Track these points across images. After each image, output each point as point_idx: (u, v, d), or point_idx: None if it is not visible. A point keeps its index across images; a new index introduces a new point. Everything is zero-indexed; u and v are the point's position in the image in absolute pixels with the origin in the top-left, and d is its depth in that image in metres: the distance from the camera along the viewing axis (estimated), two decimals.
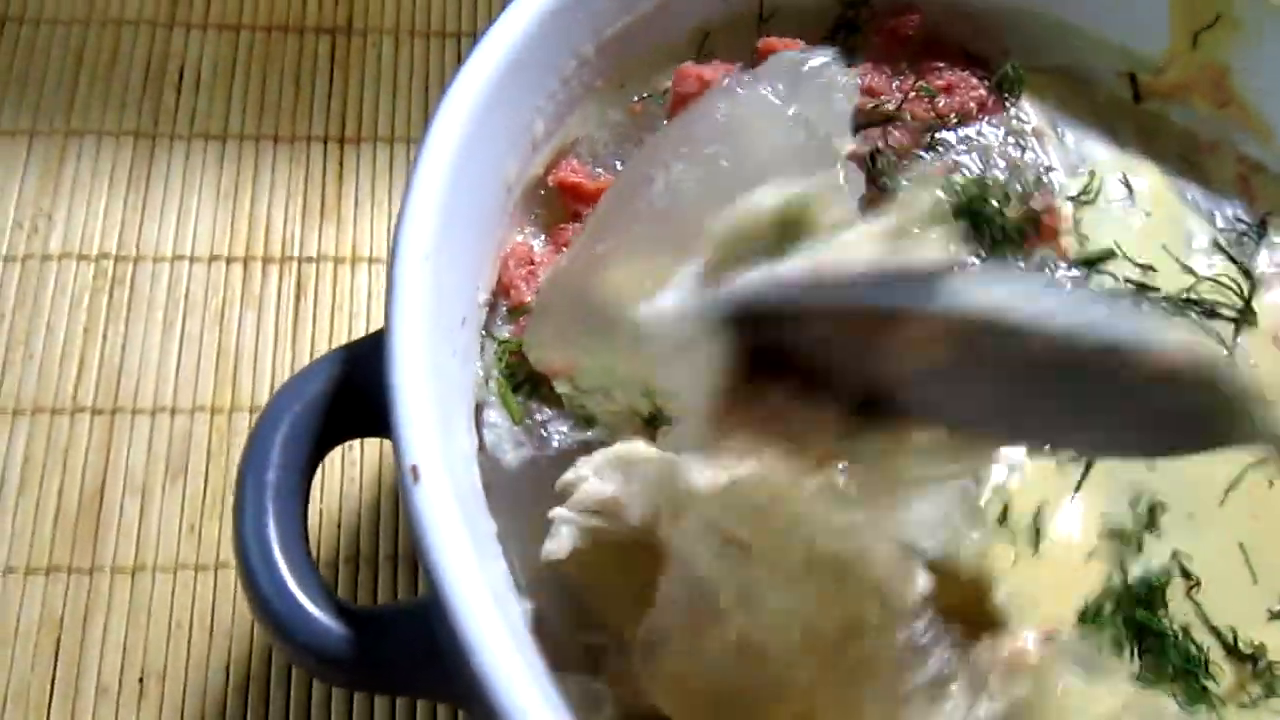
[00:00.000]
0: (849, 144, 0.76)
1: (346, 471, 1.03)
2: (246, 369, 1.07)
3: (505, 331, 0.80)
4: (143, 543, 0.99)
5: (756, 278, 0.59)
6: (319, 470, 0.71)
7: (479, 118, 0.73)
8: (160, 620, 0.96)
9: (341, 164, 1.18)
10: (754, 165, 0.73)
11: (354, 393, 0.71)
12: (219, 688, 0.95)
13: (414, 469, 0.61)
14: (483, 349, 0.79)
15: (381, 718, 0.93)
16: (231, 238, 1.13)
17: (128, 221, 1.12)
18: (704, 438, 0.60)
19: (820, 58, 0.77)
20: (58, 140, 1.15)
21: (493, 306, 0.81)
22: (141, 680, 0.94)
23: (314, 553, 1.00)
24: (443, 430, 0.64)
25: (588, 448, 0.75)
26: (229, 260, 1.12)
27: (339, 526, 1.01)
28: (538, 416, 0.77)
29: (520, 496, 0.74)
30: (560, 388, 0.77)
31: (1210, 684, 0.76)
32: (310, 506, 0.68)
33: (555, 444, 0.76)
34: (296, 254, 1.13)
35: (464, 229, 0.72)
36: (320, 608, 0.64)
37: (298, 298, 1.11)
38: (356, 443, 1.05)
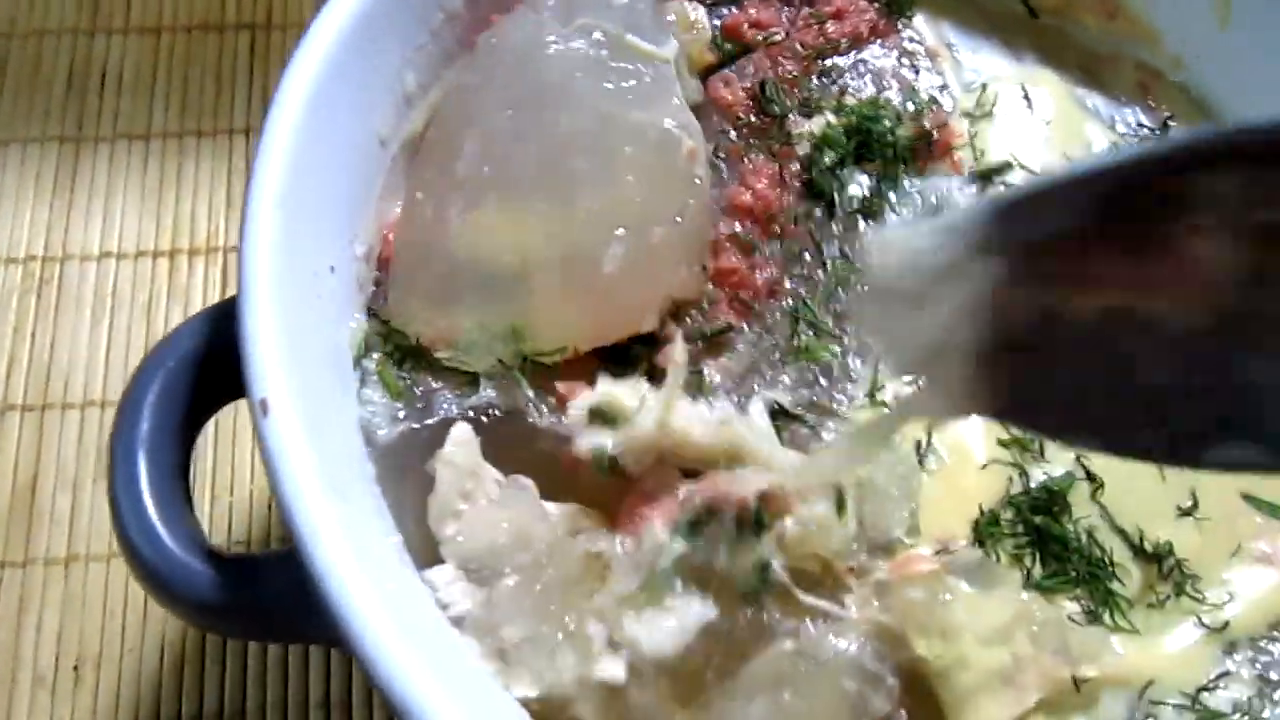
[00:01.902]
0: (670, 48, 0.76)
1: None
2: None
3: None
4: (75, 534, 1.00)
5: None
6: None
7: (335, 66, 0.73)
8: (94, 608, 0.97)
9: None
10: (557, 88, 0.73)
11: (230, 349, 0.71)
12: (154, 670, 0.95)
13: (263, 402, 0.61)
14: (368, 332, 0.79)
15: (316, 688, 0.94)
16: (157, 233, 1.14)
17: (54, 224, 1.13)
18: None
19: None
20: None
21: (378, 284, 0.80)
22: (77, 668, 0.94)
23: (247, 530, 1.02)
24: (299, 368, 0.64)
25: (478, 412, 0.75)
26: (155, 255, 1.13)
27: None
28: (418, 390, 0.76)
29: (400, 468, 0.73)
30: (442, 353, 0.76)
31: (1117, 586, 0.74)
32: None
33: (441, 413, 0.75)
34: (221, 244, 1.14)
35: (325, 176, 0.72)
36: (190, 554, 0.64)
37: (224, 287, 1.12)
38: None
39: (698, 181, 0.77)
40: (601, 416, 0.71)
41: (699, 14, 0.87)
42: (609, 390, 0.72)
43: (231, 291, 1.09)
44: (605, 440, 0.70)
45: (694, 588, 0.70)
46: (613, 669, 0.68)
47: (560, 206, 0.73)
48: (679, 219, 0.75)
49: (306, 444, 0.60)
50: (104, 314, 1.10)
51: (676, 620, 0.70)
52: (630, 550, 0.71)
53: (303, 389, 0.63)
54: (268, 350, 0.62)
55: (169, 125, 1.20)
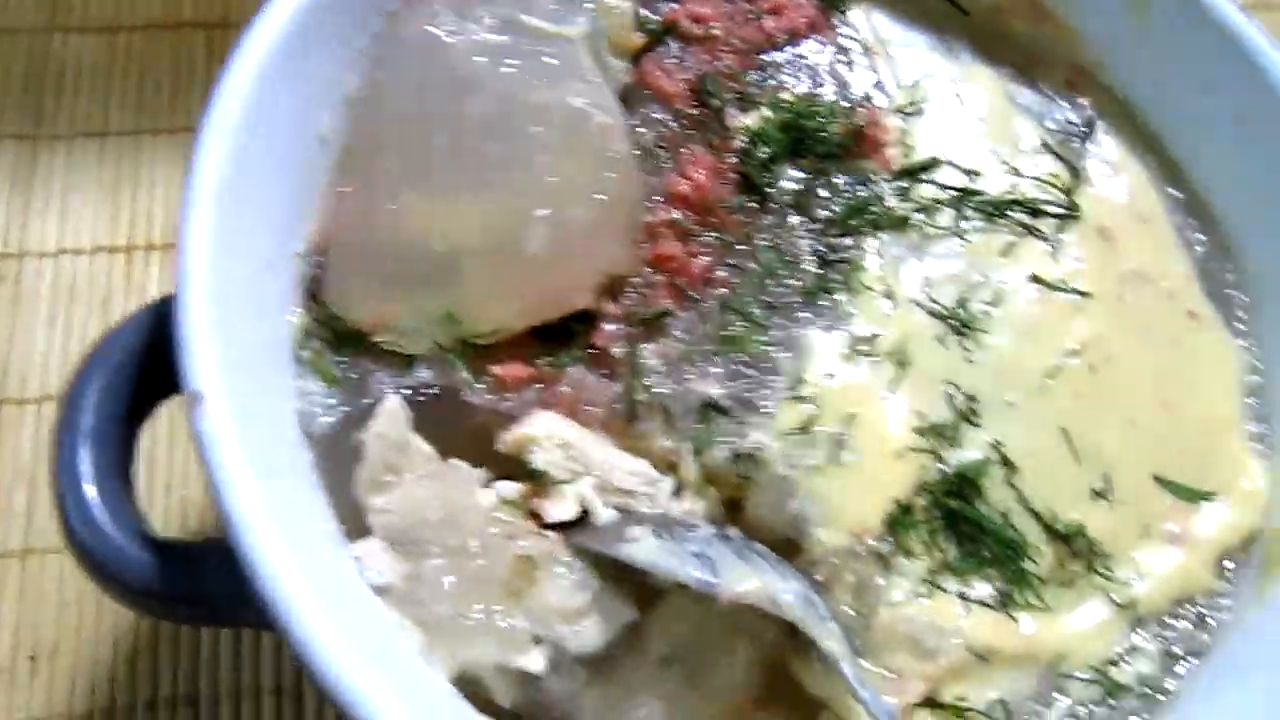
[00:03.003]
0: (575, 27, 0.79)
1: None
2: None
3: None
4: (32, 528, 1.01)
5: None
6: None
7: (273, 68, 0.75)
8: (50, 600, 0.99)
9: None
10: (459, 75, 0.76)
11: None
12: (108, 659, 0.97)
13: (195, 393, 0.63)
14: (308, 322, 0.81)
15: (268, 675, 0.96)
16: (114, 230, 1.16)
17: (11, 221, 1.15)
18: None
19: None
20: None
21: (319, 273, 0.81)
22: (33, 658, 0.96)
23: (200, 522, 1.04)
24: (234, 360, 0.66)
25: (414, 391, 0.78)
26: (112, 251, 1.15)
27: None
28: (354, 374, 0.78)
29: (336, 451, 0.76)
30: (381, 337, 0.79)
31: (1029, 566, 0.77)
32: None
33: (376, 394, 0.77)
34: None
35: (264, 172, 0.74)
36: (130, 541, 0.66)
37: None
38: None
39: (614, 155, 0.79)
40: None
41: None
42: None
43: None
44: None
45: (618, 589, 0.74)
46: (534, 661, 0.71)
47: (478, 191, 0.75)
48: (600, 195, 0.78)
49: (238, 435, 0.63)
50: (60, 310, 1.11)
51: (602, 621, 0.73)
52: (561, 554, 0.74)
53: (236, 380, 0.66)
54: (201, 343, 0.64)
55: (126, 123, 1.21)
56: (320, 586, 0.63)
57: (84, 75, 1.24)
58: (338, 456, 0.76)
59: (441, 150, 0.76)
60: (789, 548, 0.78)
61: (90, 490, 0.67)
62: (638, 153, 0.87)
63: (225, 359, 0.65)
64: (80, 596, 0.99)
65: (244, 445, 0.62)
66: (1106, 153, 0.94)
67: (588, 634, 0.73)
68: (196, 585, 0.67)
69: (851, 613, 0.75)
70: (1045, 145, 0.92)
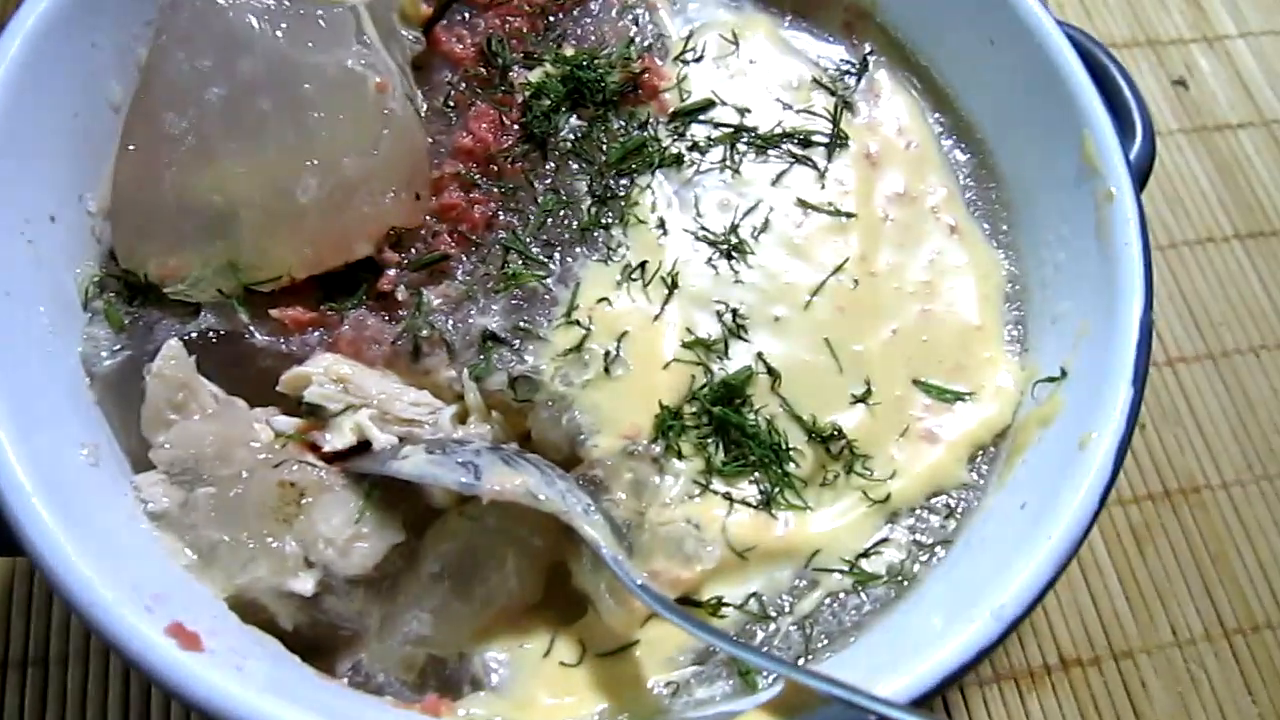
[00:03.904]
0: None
1: None
2: None
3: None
4: None
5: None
6: None
7: (47, 39, 0.80)
8: None
9: None
10: (235, 37, 0.80)
11: None
12: None
13: None
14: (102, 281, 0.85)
15: None
16: None
17: None
18: None
19: None
20: None
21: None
22: None
23: None
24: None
25: (199, 336, 0.82)
26: None
27: None
28: (142, 322, 0.83)
29: (122, 390, 0.80)
30: (169, 288, 0.83)
31: (791, 468, 0.81)
32: None
33: (161, 339, 0.81)
34: None
35: (40, 136, 0.79)
36: None
37: None
38: None
39: (389, 113, 0.83)
40: None
41: None
42: None
43: None
44: None
45: (389, 515, 0.78)
46: (302, 584, 0.75)
47: (252, 146, 0.79)
48: (374, 150, 0.82)
49: None
50: None
51: (372, 544, 0.77)
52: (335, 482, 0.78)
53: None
54: None
55: None
56: (71, 514, 0.66)
57: None
58: (126, 397, 0.80)
59: (216, 108, 0.81)
60: (573, 462, 0.82)
61: None
62: (427, 113, 0.92)
63: None
64: None
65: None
66: (877, 87, 0.98)
67: (357, 557, 0.76)
68: None
69: (627, 514, 0.79)
70: (816, 81, 0.97)
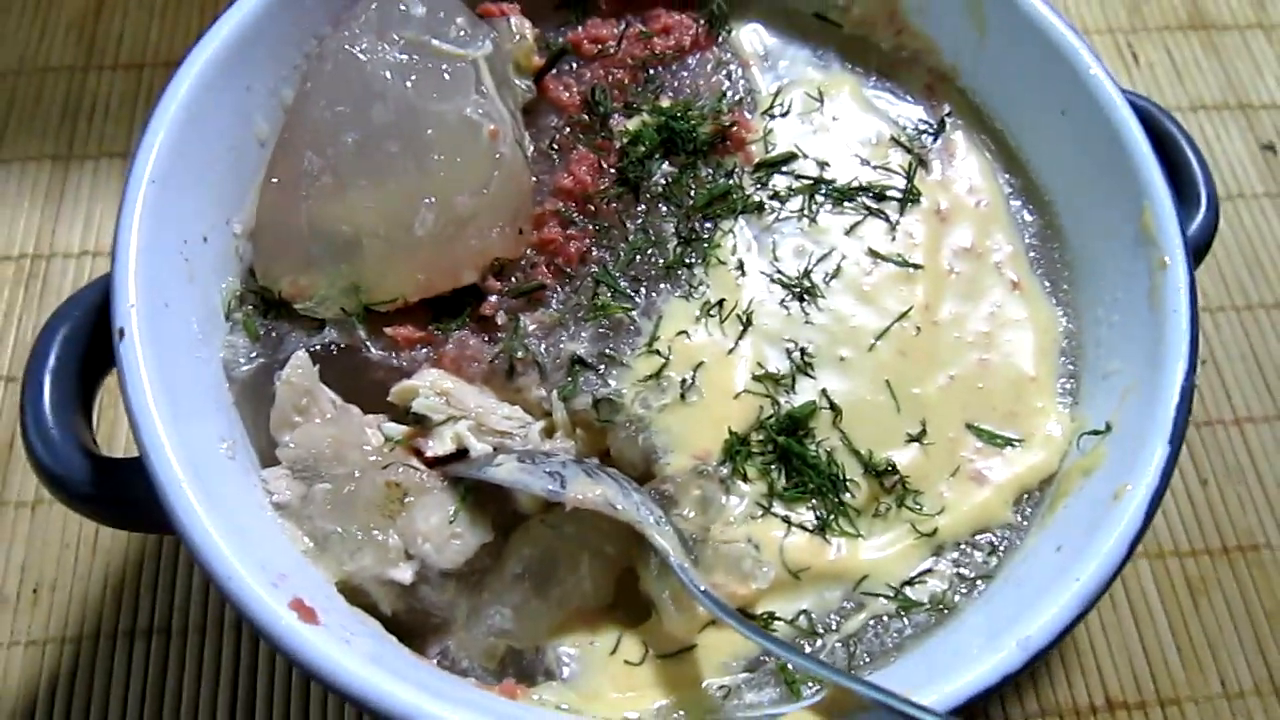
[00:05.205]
0: (479, 49, 0.94)
1: None
2: None
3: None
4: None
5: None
6: None
7: (211, 79, 0.91)
8: (53, 543, 1.16)
9: None
10: (370, 87, 0.90)
11: None
12: (98, 593, 1.13)
13: (120, 331, 0.79)
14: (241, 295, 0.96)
15: (232, 611, 1.11)
16: None
17: (44, 227, 1.35)
18: None
19: None
20: None
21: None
22: (36, 591, 1.13)
23: None
24: (156, 309, 0.82)
25: (322, 349, 0.92)
26: None
27: None
28: (275, 334, 0.93)
29: (256, 393, 0.91)
30: (299, 305, 0.94)
31: (847, 498, 0.88)
32: None
33: (290, 349, 0.92)
34: None
35: (200, 165, 0.91)
36: (73, 453, 0.82)
37: None
38: None
39: (499, 157, 0.92)
40: None
41: (521, 24, 1.04)
42: None
43: None
44: None
45: (481, 516, 0.87)
46: (402, 573, 0.85)
47: (379, 184, 0.90)
48: (484, 190, 0.92)
49: (153, 369, 0.78)
50: None
51: (464, 541, 0.86)
52: (434, 484, 0.88)
53: (156, 325, 0.81)
54: (123, 292, 0.80)
55: None
56: (213, 499, 0.77)
57: (113, 105, 1.44)
58: (258, 399, 0.91)
59: (350, 150, 0.91)
60: (647, 478, 0.90)
61: (47, 414, 0.83)
62: (533, 154, 1.02)
63: (147, 306, 0.81)
64: (78, 541, 1.15)
65: (157, 381, 0.78)
66: (953, 146, 1.05)
67: (450, 552, 0.86)
68: (121, 493, 0.81)
69: (693, 528, 0.87)
70: (894, 139, 1.04)
